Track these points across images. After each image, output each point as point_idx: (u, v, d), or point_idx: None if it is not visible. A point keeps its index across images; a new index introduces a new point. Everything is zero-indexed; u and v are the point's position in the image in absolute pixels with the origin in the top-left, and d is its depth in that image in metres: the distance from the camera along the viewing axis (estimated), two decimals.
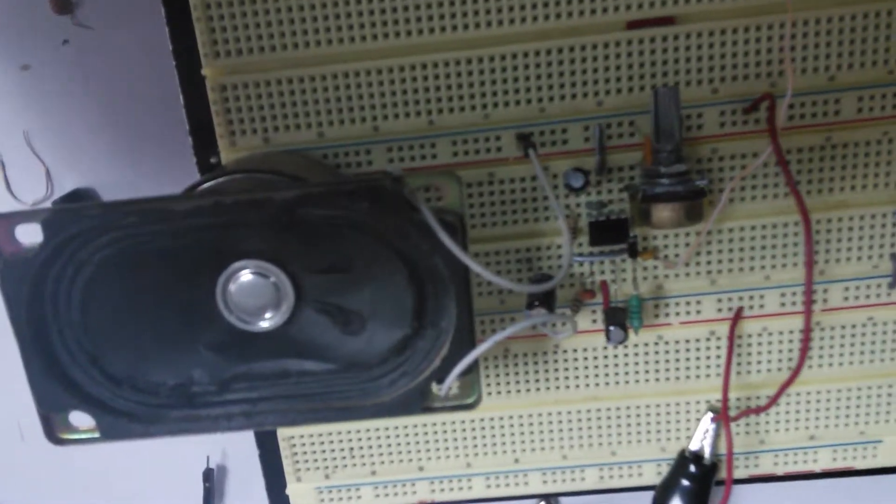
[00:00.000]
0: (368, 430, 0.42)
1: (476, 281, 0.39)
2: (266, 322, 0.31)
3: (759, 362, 0.40)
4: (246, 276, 0.30)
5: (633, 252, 0.37)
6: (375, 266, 0.30)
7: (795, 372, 0.36)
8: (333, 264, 0.31)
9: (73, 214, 0.29)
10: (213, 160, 0.37)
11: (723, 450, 0.42)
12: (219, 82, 0.36)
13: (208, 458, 0.46)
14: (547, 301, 0.35)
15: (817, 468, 0.42)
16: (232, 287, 0.30)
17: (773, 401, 0.37)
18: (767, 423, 0.41)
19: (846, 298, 0.39)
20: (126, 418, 0.32)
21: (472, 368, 0.31)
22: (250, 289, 0.30)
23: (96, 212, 0.29)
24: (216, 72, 0.36)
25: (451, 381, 0.30)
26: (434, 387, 0.31)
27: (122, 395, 0.32)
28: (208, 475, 0.47)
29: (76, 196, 0.41)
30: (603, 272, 0.39)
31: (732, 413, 0.39)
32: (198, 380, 0.32)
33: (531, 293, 0.34)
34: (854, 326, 0.40)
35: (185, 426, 0.32)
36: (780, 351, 0.40)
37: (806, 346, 0.36)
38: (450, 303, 0.31)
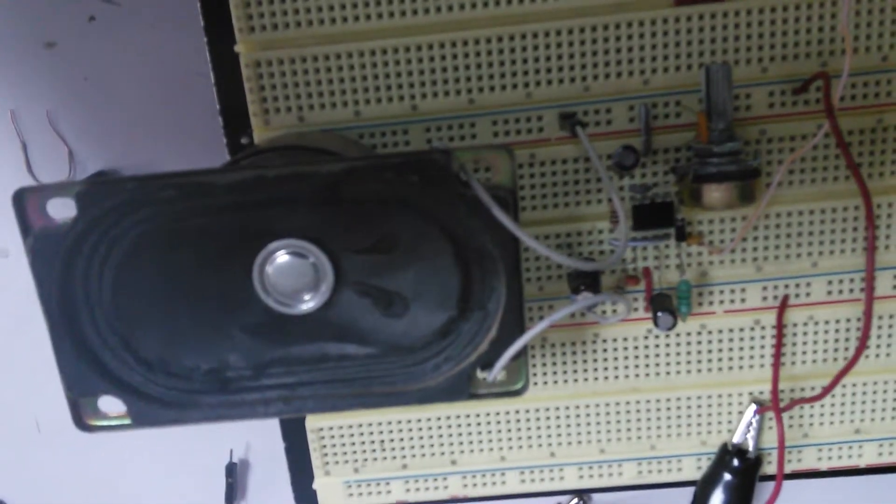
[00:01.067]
0: (400, 423, 0.40)
1: None
2: (305, 304, 0.29)
3: (804, 353, 0.39)
4: (284, 256, 0.29)
5: (682, 235, 0.36)
6: (420, 245, 0.29)
7: (853, 360, 0.34)
8: (376, 244, 0.29)
9: (109, 188, 0.27)
10: (244, 141, 0.36)
11: (766, 444, 0.40)
12: (253, 58, 0.35)
13: (231, 451, 0.45)
14: (593, 286, 0.33)
15: (862, 463, 0.41)
16: (269, 268, 0.29)
17: (828, 390, 0.35)
18: (812, 416, 0.40)
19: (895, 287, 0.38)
20: (158, 404, 0.31)
21: (521, 353, 0.30)
22: (288, 270, 0.29)
23: (133, 185, 0.27)
24: (250, 47, 0.35)
25: (502, 366, 0.29)
26: (479, 372, 0.30)
27: (155, 380, 0.31)
28: (231, 470, 0.45)
29: (101, 178, 0.40)
30: (645, 258, 0.38)
31: (781, 404, 0.38)
32: (233, 364, 0.31)
33: (578, 274, 0.32)
34: None
35: (221, 412, 0.31)
36: (826, 341, 0.39)
37: (867, 333, 0.34)
38: (498, 283, 0.29)
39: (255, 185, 0.28)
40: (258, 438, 0.45)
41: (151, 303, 0.30)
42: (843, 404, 0.40)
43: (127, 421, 0.31)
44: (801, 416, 0.40)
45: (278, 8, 0.34)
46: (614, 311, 0.37)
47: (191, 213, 0.29)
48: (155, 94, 0.39)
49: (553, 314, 0.28)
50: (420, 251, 0.29)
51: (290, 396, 0.31)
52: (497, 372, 0.29)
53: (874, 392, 0.40)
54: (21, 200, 0.27)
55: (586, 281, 0.34)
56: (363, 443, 0.41)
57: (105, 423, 0.31)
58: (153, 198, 0.28)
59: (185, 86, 0.39)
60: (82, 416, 0.31)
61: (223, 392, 0.31)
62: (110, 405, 0.30)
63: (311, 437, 0.40)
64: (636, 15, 0.34)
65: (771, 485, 0.40)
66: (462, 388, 0.30)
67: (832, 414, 0.40)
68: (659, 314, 0.35)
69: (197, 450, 0.45)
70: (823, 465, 0.41)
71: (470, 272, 0.30)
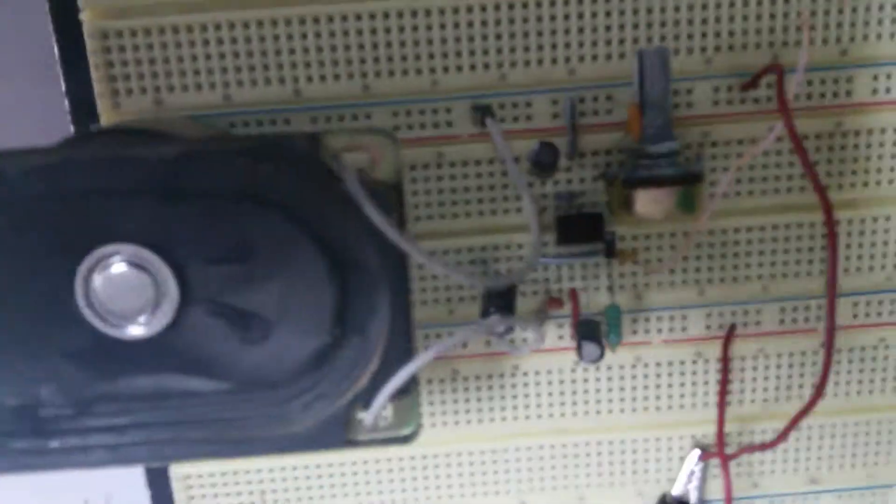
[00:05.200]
0: (283, 469, 0.34)
1: (419, 285, 0.32)
2: (141, 327, 0.23)
3: (753, 390, 0.34)
4: (116, 266, 0.23)
5: (611, 251, 0.31)
6: (284, 253, 0.23)
7: (813, 400, 0.29)
8: (230, 252, 0.24)
9: None
10: (93, 129, 0.30)
11: (710, 494, 0.35)
12: (99, 28, 0.29)
13: (86, 503, 0.38)
14: (506, 309, 0.28)
15: None
16: (97, 280, 0.23)
17: (783, 436, 0.30)
18: (762, 463, 0.35)
19: (856, 315, 0.33)
20: None
21: (410, 389, 0.24)
22: (122, 283, 0.23)
23: None
24: (96, 14, 0.29)
25: (381, 405, 0.23)
26: (360, 413, 0.24)
27: None
28: None
29: None
30: (572, 278, 0.32)
31: (727, 450, 0.33)
32: (48, 400, 0.24)
33: (491, 295, 0.27)
34: (864, 349, 0.34)
35: (28, 461, 0.24)
36: (779, 377, 0.34)
37: (827, 369, 0.29)
38: (381, 302, 0.24)
39: (62, 173, 0.22)
40: (120, 486, 0.38)
41: None
42: (797, 450, 0.35)
43: None
44: (751, 464, 0.35)
45: None
46: (524, 339, 0.32)
47: None
48: None
49: (439, 343, 0.22)
50: (284, 261, 0.24)
51: (117, 443, 0.24)
52: (374, 415, 0.23)
53: (832, 436, 0.35)
54: None
55: (498, 302, 0.28)
56: (240, 493, 0.34)
57: None
58: None
59: (27, 61, 0.32)
60: None
61: (34, 435, 0.24)
62: None
63: (176, 486, 0.34)
64: None
65: None
66: (337, 434, 0.24)
67: (785, 461, 0.35)
68: (583, 344, 0.30)
69: (42, 501, 0.38)
70: None
71: (348, 287, 0.24)
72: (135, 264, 0.23)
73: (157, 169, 0.22)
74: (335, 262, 0.23)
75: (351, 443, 0.25)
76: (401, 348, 0.24)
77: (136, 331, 0.24)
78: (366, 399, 0.24)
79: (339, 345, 0.24)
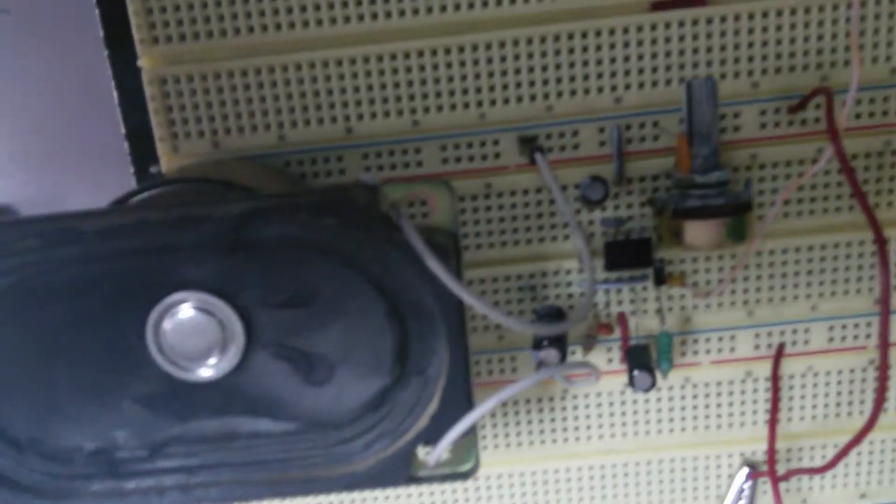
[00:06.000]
0: (343, 500, 0.35)
1: (469, 314, 0.33)
2: (209, 369, 0.24)
3: (802, 408, 0.34)
4: (185, 311, 0.24)
5: (660, 278, 0.31)
6: (346, 299, 0.24)
7: (869, 424, 0.29)
8: (293, 297, 0.24)
9: None
10: (153, 170, 0.31)
11: None
12: (158, 74, 0.30)
13: None
14: (558, 339, 0.28)
15: None
16: (167, 325, 0.24)
17: (835, 462, 0.30)
18: (811, 478, 0.35)
19: None
20: (30, 494, 0.25)
21: (469, 430, 0.25)
22: (190, 328, 0.24)
23: None
24: (155, 62, 0.30)
25: (444, 449, 0.24)
26: (421, 451, 0.25)
27: (27, 464, 0.25)
28: None
29: None
30: (620, 302, 0.33)
31: (778, 470, 0.33)
32: (123, 443, 0.26)
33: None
34: None
35: (107, 502, 0.26)
36: (828, 395, 0.34)
37: (883, 387, 0.30)
38: (440, 345, 0.24)
39: (135, 231, 0.23)
40: None
41: (21, 370, 0.25)
42: (846, 465, 0.35)
43: None
44: (800, 479, 0.35)
45: (186, 16, 0.29)
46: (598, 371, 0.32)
47: (62, 263, 0.23)
48: (53, 115, 0.34)
49: (504, 389, 0.23)
50: (345, 306, 0.24)
51: (188, 483, 0.25)
52: (438, 456, 0.24)
53: (882, 451, 0.35)
54: None
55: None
56: None
57: None
58: (12, 248, 0.23)
59: (88, 106, 0.33)
60: None
61: (111, 477, 0.26)
62: None
63: None
64: (606, 22, 0.30)
65: None
66: (399, 472, 0.25)
67: (834, 476, 0.35)
68: (635, 373, 0.30)
69: None
70: None
71: (407, 330, 0.25)
72: (202, 309, 0.24)
73: (222, 225, 0.23)
74: (395, 306, 0.24)
75: (412, 480, 0.25)
76: (459, 387, 0.25)
77: (204, 373, 0.25)
78: (426, 437, 0.25)
79: (400, 386, 0.25)
